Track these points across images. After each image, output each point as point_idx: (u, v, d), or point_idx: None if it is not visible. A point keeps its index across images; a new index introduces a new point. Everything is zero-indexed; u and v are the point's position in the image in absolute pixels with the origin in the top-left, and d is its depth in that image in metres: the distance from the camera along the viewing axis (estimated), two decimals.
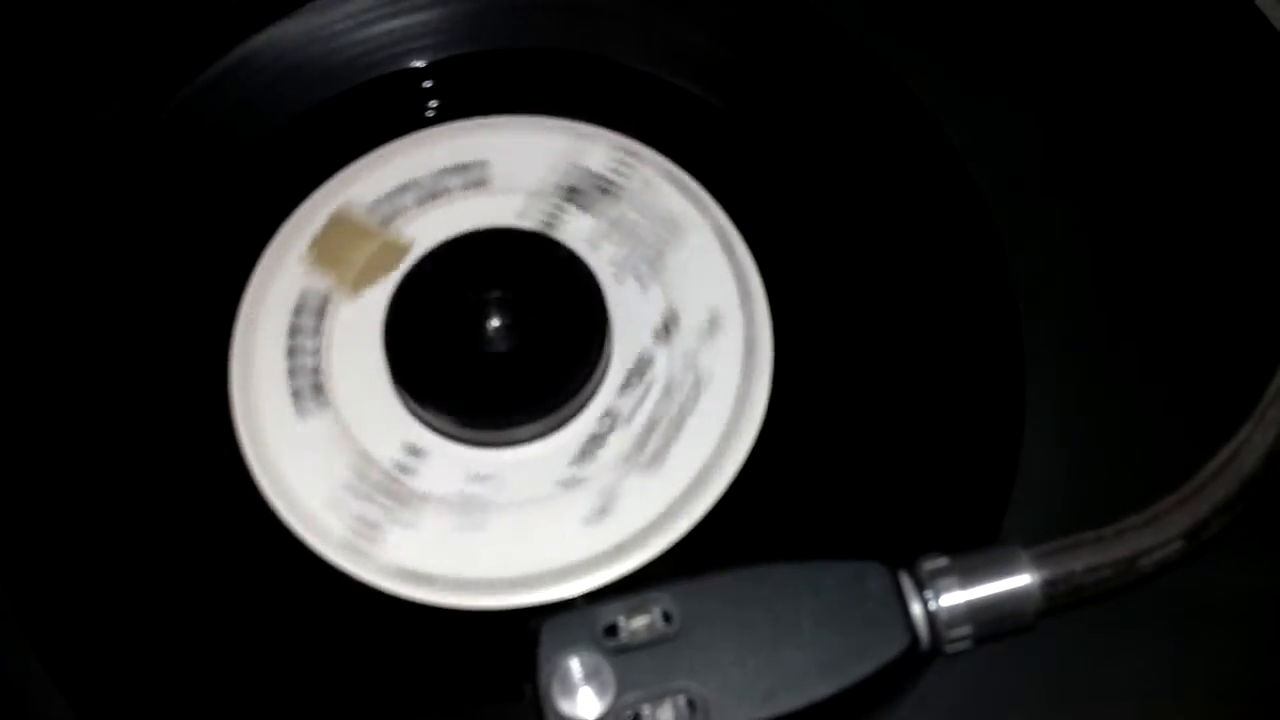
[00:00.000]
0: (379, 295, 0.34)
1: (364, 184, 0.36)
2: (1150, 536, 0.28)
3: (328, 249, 0.35)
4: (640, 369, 0.34)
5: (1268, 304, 0.33)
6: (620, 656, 0.27)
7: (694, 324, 0.34)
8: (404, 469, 0.33)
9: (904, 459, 0.33)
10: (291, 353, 0.34)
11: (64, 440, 0.33)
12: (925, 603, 0.28)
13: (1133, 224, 0.35)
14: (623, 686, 0.27)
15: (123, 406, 0.34)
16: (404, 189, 0.36)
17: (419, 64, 0.38)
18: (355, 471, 0.33)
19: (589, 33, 0.38)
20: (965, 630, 0.28)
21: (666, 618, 0.28)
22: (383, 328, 0.33)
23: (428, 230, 0.35)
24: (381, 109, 0.37)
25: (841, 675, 0.27)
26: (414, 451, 0.33)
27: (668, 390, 0.34)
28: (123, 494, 0.33)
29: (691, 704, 0.27)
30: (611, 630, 0.28)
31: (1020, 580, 0.28)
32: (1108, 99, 0.36)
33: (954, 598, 0.28)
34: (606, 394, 0.34)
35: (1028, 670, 0.30)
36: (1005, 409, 0.32)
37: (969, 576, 0.28)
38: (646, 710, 0.27)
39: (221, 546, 0.32)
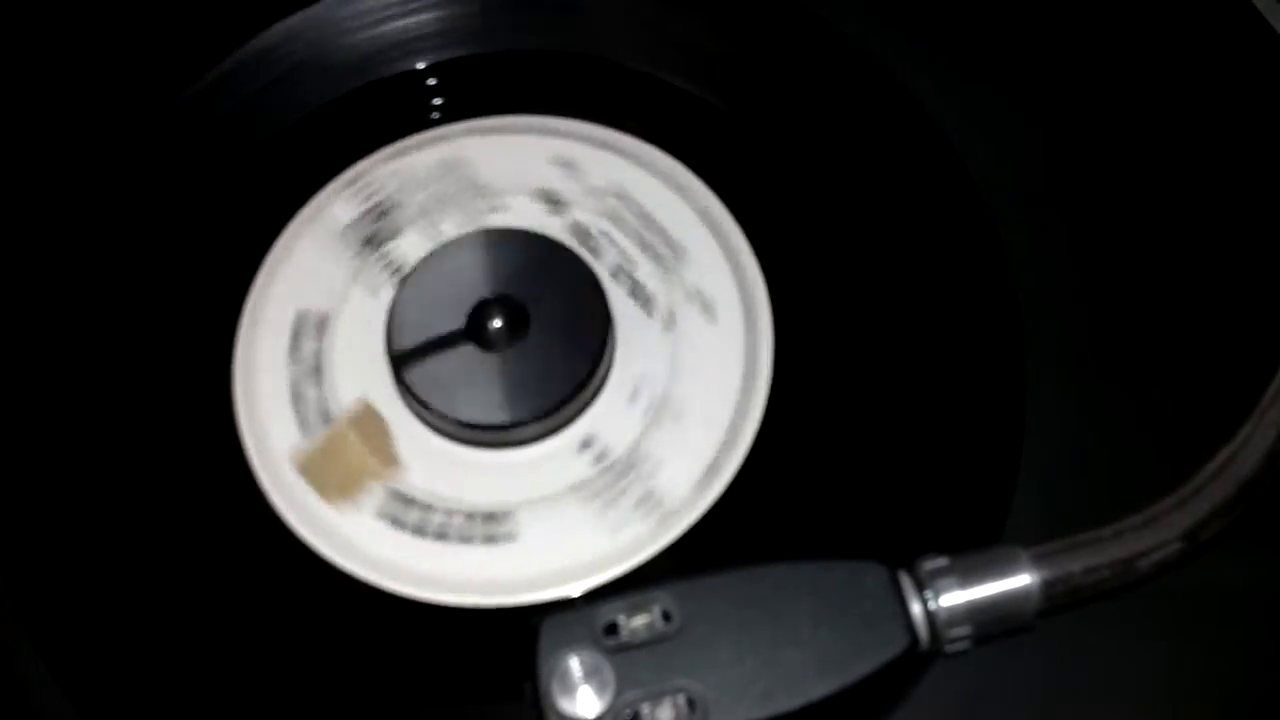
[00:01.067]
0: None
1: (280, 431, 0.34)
2: (1149, 537, 0.28)
3: (333, 481, 0.33)
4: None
5: (1268, 305, 0.33)
6: (620, 655, 0.27)
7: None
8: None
9: (905, 459, 0.33)
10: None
11: (68, 439, 0.33)
12: (925, 603, 0.28)
13: (1133, 224, 0.35)
14: (622, 685, 0.27)
15: (126, 405, 0.34)
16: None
17: (422, 65, 0.38)
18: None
19: (588, 33, 0.38)
20: (964, 630, 0.28)
21: (666, 617, 0.28)
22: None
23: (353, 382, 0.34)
24: (385, 110, 0.37)
25: (841, 675, 0.27)
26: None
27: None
28: (124, 494, 0.33)
29: (691, 703, 0.27)
30: (611, 629, 0.28)
31: (1020, 581, 0.28)
32: (1106, 98, 0.36)
33: (953, 598, 0.28)
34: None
35: (1027, 671, 0.30)
36: (1006, 409, 0.33)
37: (968, 577, 0.28)
38: (646, 709, 0.27)
39: (221, 545, 0.32)
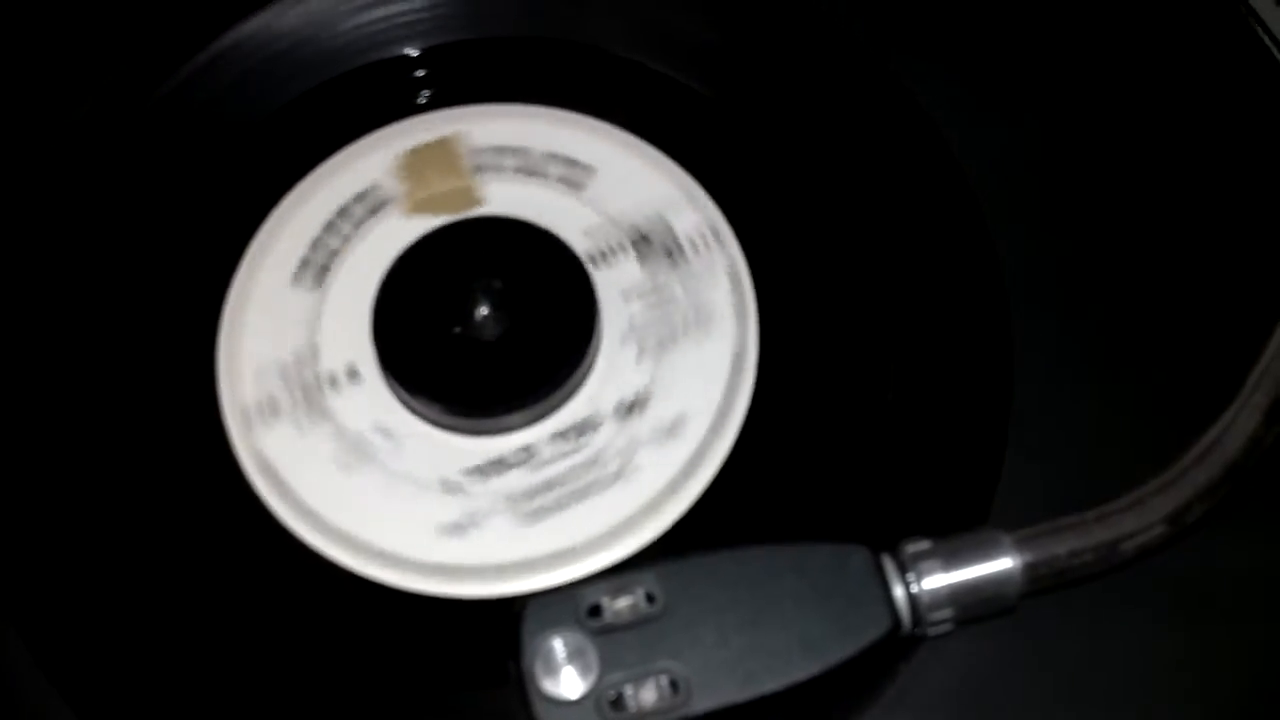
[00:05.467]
0: (427, 225, 0.34)
1: (484, 127, 0.37)
2: (1133, 521, 0.28)
3: (418, 163, 0.36)
4: (581, 429, 0.33)
5: (1250, 292, 0.33)
6: (604, 637, 0.27)
7: (658, 420, 0.33)
8: (333, 382, 0.33)
9: (892, 445, 0.33)
10: (328, 227, 0.35)
11: (48, 425, 0.33)
12: (907, 585, 0.28)
13: (1120, 213, 0.35)
14: (606, 666, 0.27)
15: (108, 392, 0.34)
16: (512, 151, 0.36)
17: (412, 51, 0.38)
18: (295, 356, 0.34)
19: (578, 21, 0.38)
20: (947, 613, 0.28)
21: (650, 598, 0.28)
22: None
23: (503, 199, 0.35)
24: (372, 96, 0.37)
25: (824, 656, 0.27)
26: (352, 374, 0.33)
27: (591, 463, 0.33)
28: (106, 478, 0.33)
29: (674, 684, 0.27)
30: (595, 611, 0.28)
31: (1002, 564, 0.28)
32: (1097, 93, 0.37)
33: (936, 580, 0.28)
34: (536, 432, 0.33)
35: (1014, 653, 0.30)
36: (992, 394, 0.33)
37: (951, 559, 0.28)
38: (629, 690, 0.27)
39: (204, 534, 0.32)
